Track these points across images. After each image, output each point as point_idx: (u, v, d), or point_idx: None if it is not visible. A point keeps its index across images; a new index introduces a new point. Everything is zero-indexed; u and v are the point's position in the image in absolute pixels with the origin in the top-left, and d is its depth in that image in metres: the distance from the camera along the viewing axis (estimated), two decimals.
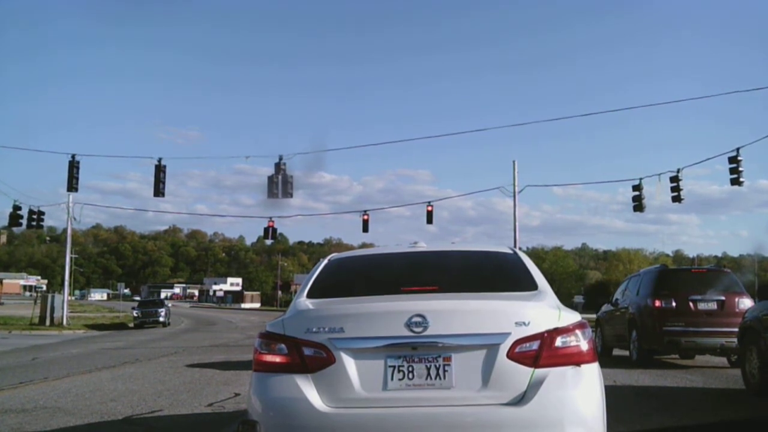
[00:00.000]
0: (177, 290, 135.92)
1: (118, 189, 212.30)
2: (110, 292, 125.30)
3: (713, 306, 11.63)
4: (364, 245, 71.77)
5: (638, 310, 12.46)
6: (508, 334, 3.28)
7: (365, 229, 32.44)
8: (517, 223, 31.43)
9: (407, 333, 3.26)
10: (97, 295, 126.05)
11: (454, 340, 3.26)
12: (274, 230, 33.45)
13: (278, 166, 26.51)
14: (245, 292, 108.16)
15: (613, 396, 4.61)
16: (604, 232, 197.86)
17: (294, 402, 3.28)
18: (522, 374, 3.24)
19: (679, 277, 13.29)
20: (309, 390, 3.29)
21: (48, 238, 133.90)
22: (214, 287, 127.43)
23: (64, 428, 6.52)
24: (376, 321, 3.36)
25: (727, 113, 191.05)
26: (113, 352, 18.00)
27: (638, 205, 27.43)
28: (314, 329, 3.37)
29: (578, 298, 67.38)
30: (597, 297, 31.87)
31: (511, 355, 3.25)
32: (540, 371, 3.24)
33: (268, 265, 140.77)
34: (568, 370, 3.29)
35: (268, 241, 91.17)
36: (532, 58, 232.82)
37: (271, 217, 32.77)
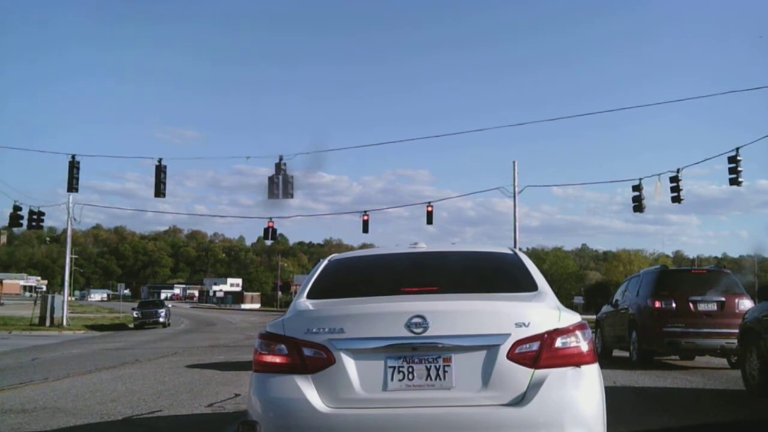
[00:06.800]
0: (177, 291, 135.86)
1: (117, 189, 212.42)
2: (110, 292, 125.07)
3: (713, 307, 11.61)
4: (364, 246, 71.82)
5: (638, 311, 12.45)
6: (508, 334, 3.28)
7: (365, 229, 32.48)
8: (517, 224, 31.44)
9: (407, 334, 3.26)
10: (97, 296, 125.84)
11: (454, 341, 3.26)
12: (274, 231, 33.48)
13: (278, 167, 26.54)
14: (245, 293, 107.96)
15: (613, 397, 4.60)
16: (603, 233, 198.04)
17: (294, 402, 3.28)
18: (522, 375, 3.24)
19: (679, 277, 13.28)
20: (309, 390, 3.29)
21: (48, 239, 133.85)
22: (214, 288, 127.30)
23: (64, 428, 6.52)
24: (376, 322, 3.35)
25: (727, 113, 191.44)
26: (113, 352, 18.00)
27: (638, 205, 27.44)
28: (314, 330, 3.37)
29: (578, 299, 67.36)
30: (597, 298, 31.84)
31: (511, 356, 3.26)
32: (540, 372, 3.25)
33: (268, 265, 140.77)
34: (568, 371, 3.29)
35: (268, 242, 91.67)
36: (532, 58, 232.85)
37: (271, 218, 32.81)
